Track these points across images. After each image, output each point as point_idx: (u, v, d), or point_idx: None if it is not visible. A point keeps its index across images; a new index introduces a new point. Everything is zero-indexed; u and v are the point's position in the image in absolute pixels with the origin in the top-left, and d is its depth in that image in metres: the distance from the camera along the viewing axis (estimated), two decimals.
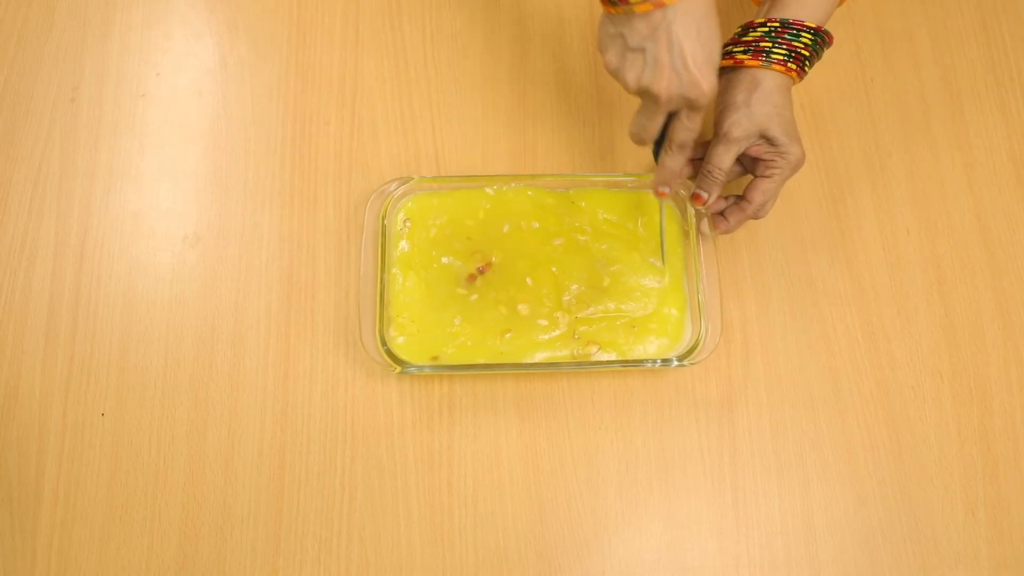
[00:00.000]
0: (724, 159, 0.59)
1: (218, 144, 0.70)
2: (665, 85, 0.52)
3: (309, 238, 0.67)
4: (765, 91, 0.58)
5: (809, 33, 0.58)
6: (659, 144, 0.59)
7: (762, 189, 0.60)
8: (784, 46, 0.57)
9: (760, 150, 0.59)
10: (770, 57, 0.57)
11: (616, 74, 0.54)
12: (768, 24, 0.58)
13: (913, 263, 0.67)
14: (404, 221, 0.65)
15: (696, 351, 0.61)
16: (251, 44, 0.73)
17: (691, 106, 0.54)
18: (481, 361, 0.61)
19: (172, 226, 0.67)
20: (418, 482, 0.61)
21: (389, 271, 0.63)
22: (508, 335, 0.62)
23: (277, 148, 0.69)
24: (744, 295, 0.66)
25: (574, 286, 0.63)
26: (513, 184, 0.66)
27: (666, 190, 0.61)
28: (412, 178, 0.65)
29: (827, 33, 0.59)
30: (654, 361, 0.60)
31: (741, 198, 0.62)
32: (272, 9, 0.74)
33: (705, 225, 0.63)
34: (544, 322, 0.62)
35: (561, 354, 0.61)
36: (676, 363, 0.60)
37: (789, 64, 0.57)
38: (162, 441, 0.62)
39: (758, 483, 0.61)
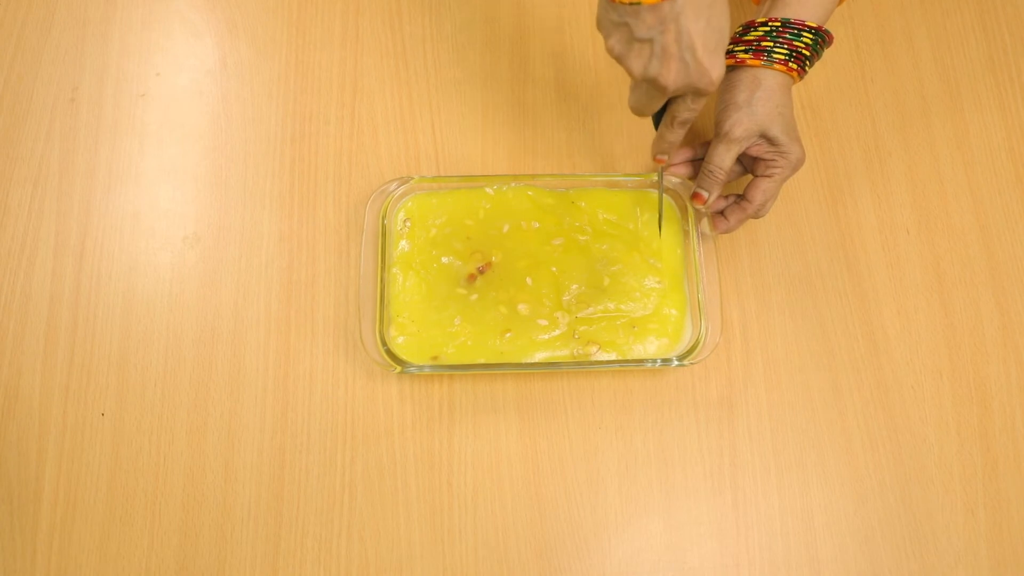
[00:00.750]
0: (725, 159, 0.59)
1: (218, 144, 0.70)
2: (673, 77, 0.51)
3: (309, 238, 0.67)
4: (767, 90, 0.58)
5: (810, 33, 0.58)
6: (658, 115, 0.59)
7: (762, 189, 0.60)
8: (785, 45, 0.58)
9: (760, 150, 0.59)
10: (771, 57, 0.58)
11: (620, 60, 0.53)
12: (769, 24, 0.58)
13: (913, 263, 0.67)
14: (404, 221, 0.65)
15: (696, 351, 0.61)
16: (251, 44, 0.73)
17: (698, 93, 0.53)
18: (481, 361, 0.61)
19: (172, 226, 0.67)
20: (418, 482, 0.61)
21: (389, 271, 0.63)
22: (508, 335, 0.62)
23: (277, 148, 0.69)
24: (744, 295, 0.66)
25: (574, 286, 0.63)
26: (513, 184, 0.66)
27: (664, 157, 0.61)
28: (412, 178, 0.65)
29: (827, 33, 0.59)
30: (654, 361, 0.60)
31: (741, 197, 0.62)
32: (272, 9, 0.74)
33: (705, 225, 0.64)
34: (544, 322, 0.62)
35: (561, 354, 0.61)
36: (676, 363, 0.60)
37: (790, 64, 0.58)
38: (162, 441, 0.62)
39: (758, 483, 0.61)
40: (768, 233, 0.67)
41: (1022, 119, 0.71)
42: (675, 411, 0.63)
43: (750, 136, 0.58)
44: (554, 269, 0.63)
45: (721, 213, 0.63)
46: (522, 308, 0.62)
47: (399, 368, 0.60)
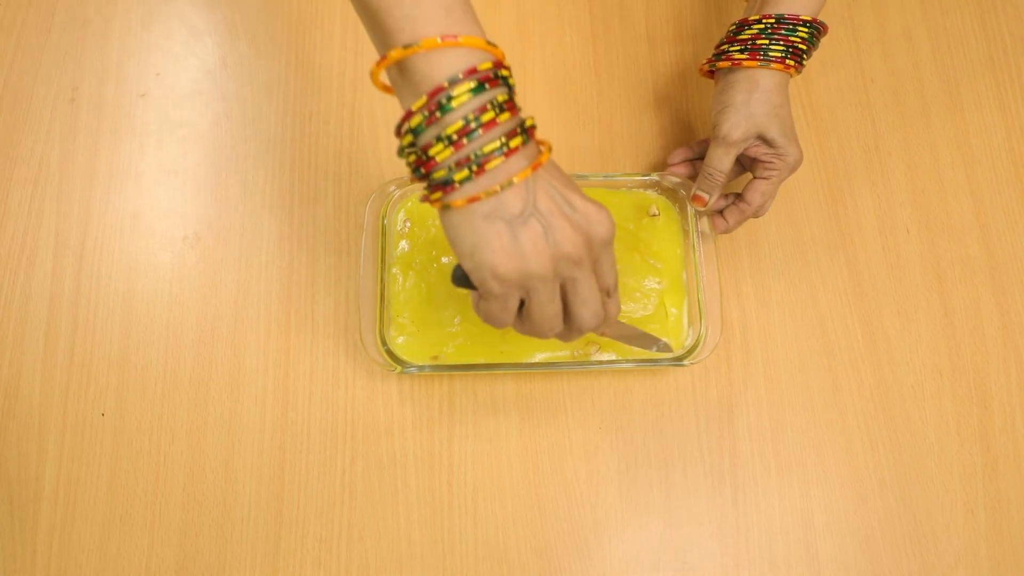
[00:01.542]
0: (724, 161, 0.59)
1: (218, 144, 0.70)
2: (570, 237, 0.43)
3: (309, 238, 0.67)
4: (764, 91, 0.57)
5: (805, 27, 0.57)
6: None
7: (760, 191, 0.60)
8: (781, 42, 0.57)
9: (758, 151, 0.59)
10: (768, 55, 0.57)
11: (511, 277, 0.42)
12: (763, 20, 0.57)
13: (913, 263, 0.67)
14: (404, 221, 0.65)
15: (696, 351, 0.61)
16: (251, 44, 0.73)
17: (605, 245, 0.44)
18: (481, 361, 0.61)
19: (172, 226, 0.67)
20: (418, 482, 0.61)
21: (389, 271, 0.63)
22: (508, 335, 0.62)
23: (277, 148, 0.69)
24: (744, 295, 0.66)
25: None
26: None
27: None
28: None
29: (822, 24, 0.58)
30: (654, 361, 0.60)
31: (740, 198, 0.62)
32: (272, 8, 0.74)
33: (705, 225, 0.63)
34: None
35: (561, 354, 0.61)
36: (676, 363, 0.60)
37: (788, 60, 0.57)
38: (162, 441, 0.62)
39: (758, 483, 0.61)
40: (768, 233, 0.67)
41: (1022, 119, 0.71)
42: (675, 411, 0.63)
43: (748, 138, 0.58)
44: None
45: (720, 213, 0.63)
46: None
47: (399, 368, 0.60)
